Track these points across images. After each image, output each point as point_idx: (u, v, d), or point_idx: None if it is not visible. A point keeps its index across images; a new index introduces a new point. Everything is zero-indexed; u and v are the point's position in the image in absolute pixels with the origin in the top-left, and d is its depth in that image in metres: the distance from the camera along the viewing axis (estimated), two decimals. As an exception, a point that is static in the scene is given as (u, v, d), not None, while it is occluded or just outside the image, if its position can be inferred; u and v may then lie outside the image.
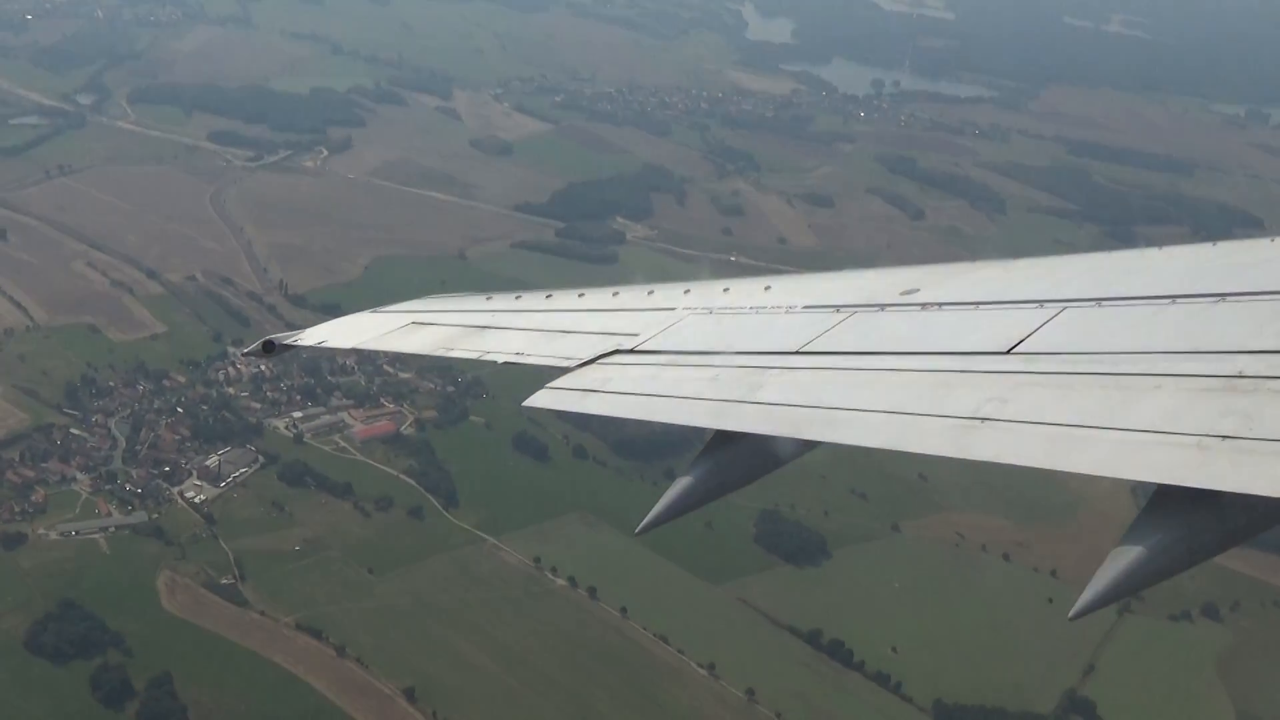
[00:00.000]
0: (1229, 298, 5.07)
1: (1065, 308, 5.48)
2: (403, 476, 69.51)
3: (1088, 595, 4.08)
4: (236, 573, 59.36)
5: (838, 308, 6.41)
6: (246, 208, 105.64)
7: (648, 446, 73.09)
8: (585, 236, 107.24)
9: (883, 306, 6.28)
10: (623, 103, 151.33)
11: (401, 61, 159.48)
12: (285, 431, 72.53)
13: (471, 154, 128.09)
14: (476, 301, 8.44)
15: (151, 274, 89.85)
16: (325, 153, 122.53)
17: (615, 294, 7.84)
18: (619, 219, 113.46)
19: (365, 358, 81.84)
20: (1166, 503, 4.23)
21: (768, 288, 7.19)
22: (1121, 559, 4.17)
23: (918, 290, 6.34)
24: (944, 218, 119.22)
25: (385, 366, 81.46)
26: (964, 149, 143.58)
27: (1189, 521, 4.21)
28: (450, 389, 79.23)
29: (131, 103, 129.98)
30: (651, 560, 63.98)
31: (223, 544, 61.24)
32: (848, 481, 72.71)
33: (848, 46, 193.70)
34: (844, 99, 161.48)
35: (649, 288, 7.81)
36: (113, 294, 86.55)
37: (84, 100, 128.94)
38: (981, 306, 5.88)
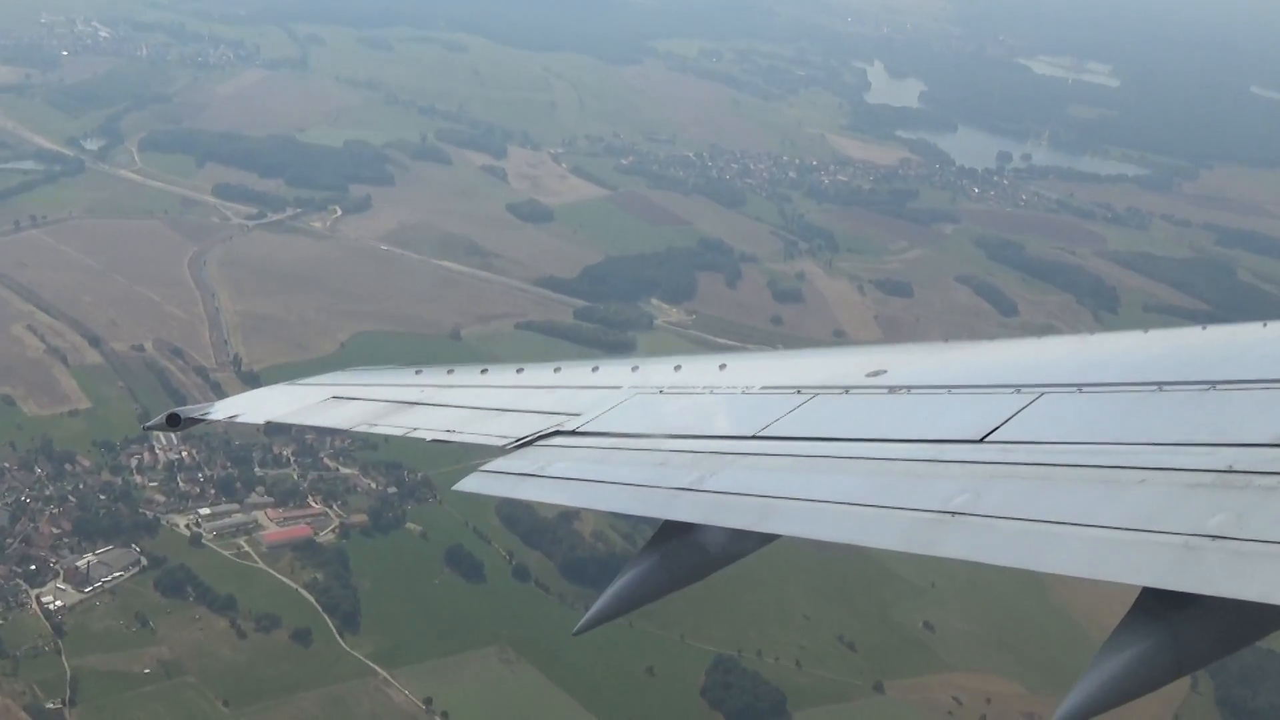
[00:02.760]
0: (1219, 386, 5.27)
1: (1044, 393, 5.68)
2: (302, 591, 67.13)
3: (1064, 710, 4.16)
4: (68, 696, 57.34)
5: (799, 389, 6.67)
6: (227, 271, 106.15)
7: (601, 569, 69.52)
8: (607, 319, 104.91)
9: (847, 389, 6.54)
10: (698, 168, 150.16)
11: (459, 114, 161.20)
12: (185, 530, 70.95)
13: (505, 220, 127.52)
14: (405, 375, 8.71)
15: (95, 341, 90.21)
16: (339, 212, 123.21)
17: (557, 370, 8.14)
18: (654, 300, 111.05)
19: (305, 449, 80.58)
20: (1151, 608, 4.36)
21: (723, 366, 7.47)
22: (1102, 670, 4.28)
23: (885, 372, 6.59)
24: (1040, 314, 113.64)
25: (326, 460, 79.73)
26: (1089, 235, 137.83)
27: (1176, 629, 4.32)
28: (393, 490, 76.92)
29: (142, 150, 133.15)
30: (568, 710, 60.09)
31: (64, 660, 59.41)
32: (837, 625, 68.18)
33: (981, 113, 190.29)
34: (959, 172, 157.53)
35: (594, 364, 8.12)
36: (44, 362, 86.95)
37: (91, 145, 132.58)
38: (954, 390, 6.10)
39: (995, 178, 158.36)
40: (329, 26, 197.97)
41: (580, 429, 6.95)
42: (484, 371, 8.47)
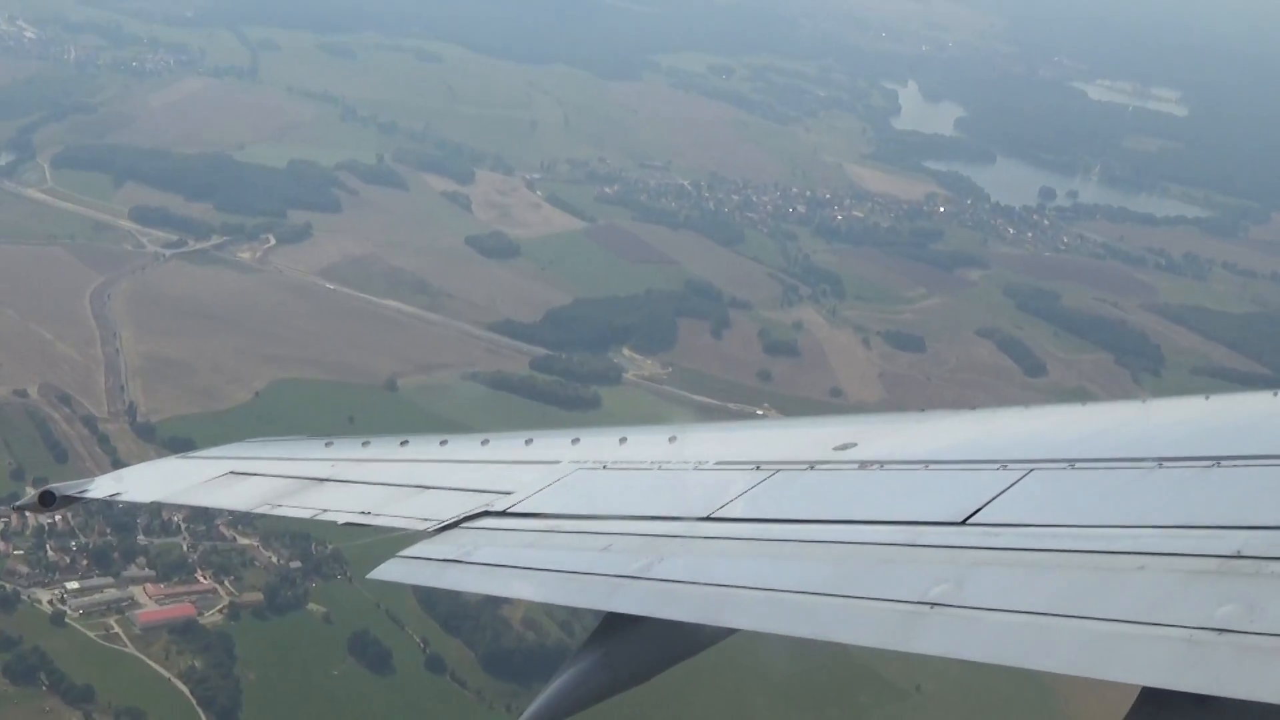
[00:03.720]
0: (1225, 462, 5.40)
1: (1032, 470, 5.84)
2: (176, 681, 65.67)
3: None
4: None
5: (758, 465, 6.78)
6: (135, 307, 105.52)
7: (530, 663, 68.14)
8: (569, 371, 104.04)
9: (812, 464, 6.63)
10: (693, 199, 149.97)
11: (425, 132, 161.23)
12: (47, 607, 69.66)
13: (463, 254, 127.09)
14: (314, 448, 8.86)
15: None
16: (272, 241, 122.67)
17: (485, 443, 8.33)
18: (626, 350, 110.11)
19: (199, 515, 79.20)
20: (1153, 709, 4.53)
21: (674, 439, 7.65)
22: None
23: (855, 445, 6.73)
24: (1071, 375, 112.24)
25: (222, 528, 78.45)
26: (1137, 285, 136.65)
27: None
28: (296, 564, 75.58)
29: (55, 166, 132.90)
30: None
31: (-119, 759, 58.10)
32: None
33: (1024, 143, 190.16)
34: (993, 210, 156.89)
35: (528, 435, 8.30)
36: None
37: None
38: (932, 466, 6.25)
39: (1035, 217, 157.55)
40: (287, 31, 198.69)
41: (512, 509, 7.08)
42: (404, 444, 8.59)
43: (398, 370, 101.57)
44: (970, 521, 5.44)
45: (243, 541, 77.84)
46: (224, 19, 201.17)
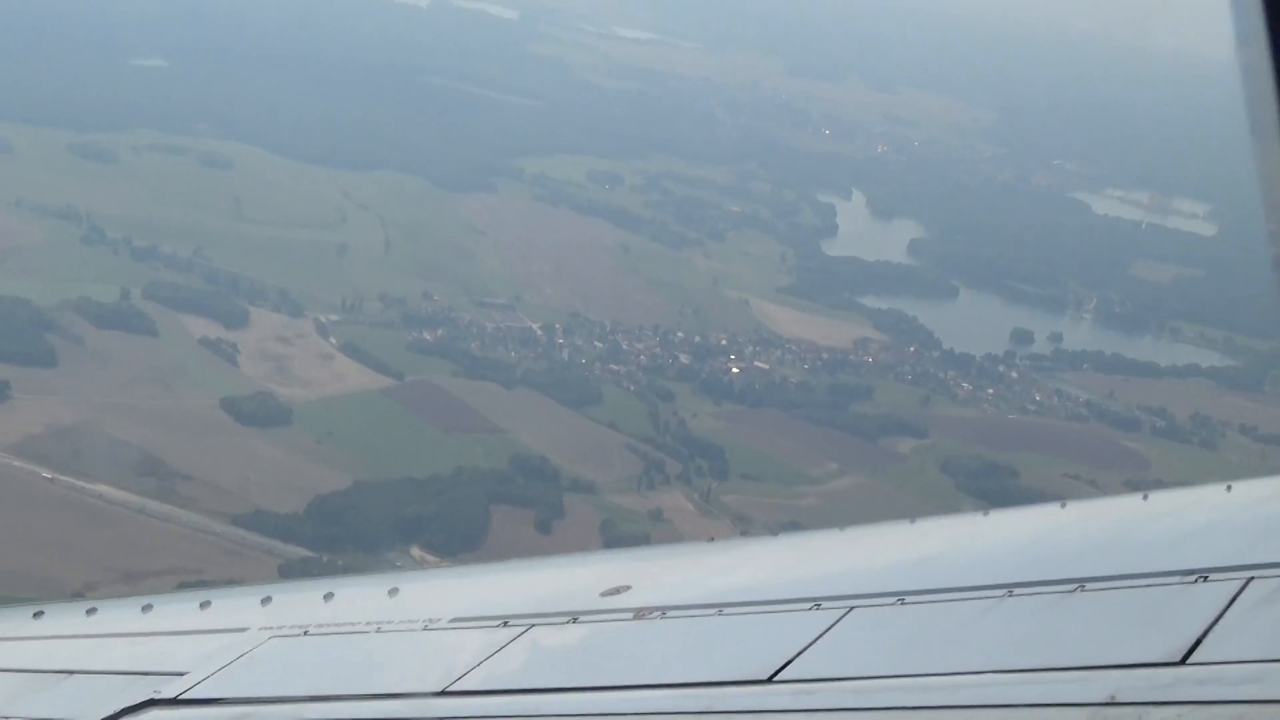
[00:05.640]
0: (1090, 585, 5.81)
1: (853, 608, 6.15)
2: None
3: None
4: None
5: (505, 620, 7.02)
6: None
7: None
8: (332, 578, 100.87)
9: (575, 616, 6.93)
10: (541, 348, 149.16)
11: (193, 260, 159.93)
12: None
13: (216, 422, 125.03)
14: None
15: None
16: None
17: (148, 609, 8.50)
18: (415, 551, 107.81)
19: None
20: None
21: (395, 591, 7.94)
22: None
23: (628, 588, 7.03)
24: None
25: None
26: (1126, 455, 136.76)
27: None
28: None
29: None
30: None
31: None
32: None
33: (999, 272, 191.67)
34: (945, 360, 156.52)
35: (204, 596, 8.59)
36: None
37: None
38: (727, 611, 6.52)
39: (1000, 368, 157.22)
40: (31, 127, 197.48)
41: (186, 695, 7.00)
42: (38, 615, 8.66)
43: (94, 580, 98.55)
44: (778, 679, 5.55)
45: None
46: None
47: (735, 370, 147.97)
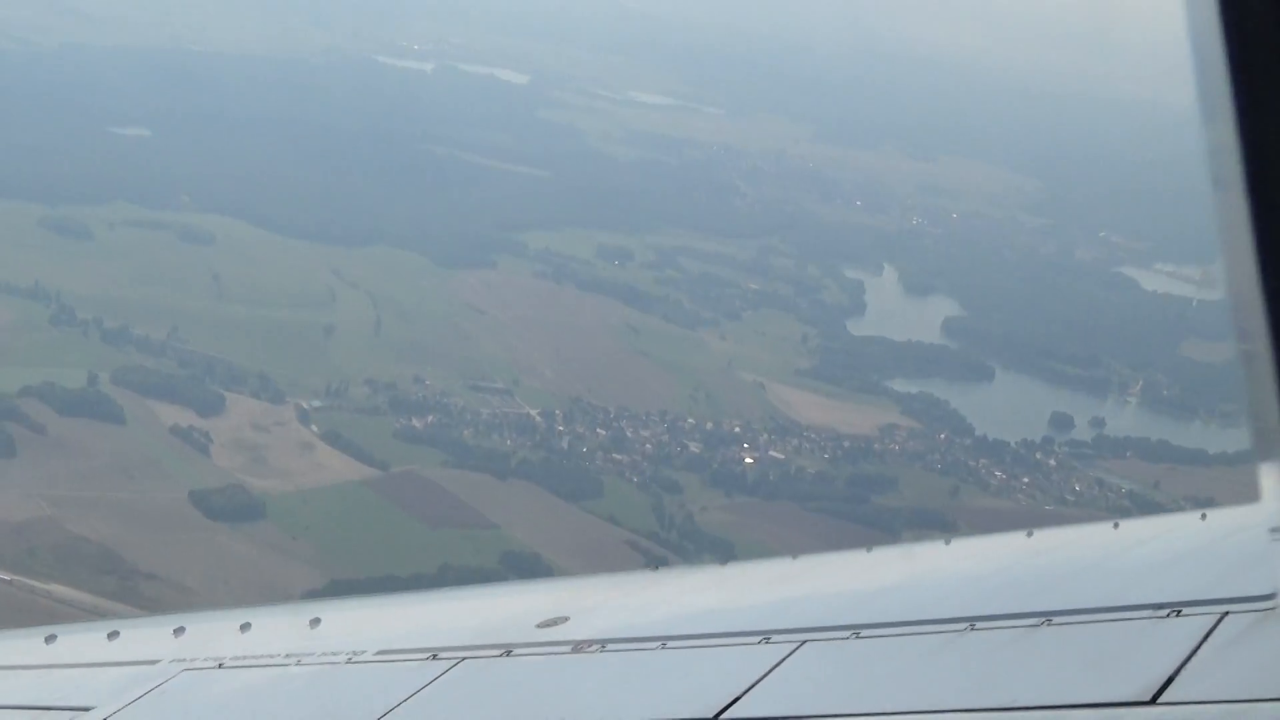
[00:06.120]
0: (1056, 619, 5.90)
1: (805, 642, 6.25)
2: None
3: None
4: None
5: (434, 653, 7.09)
6: None
7: None
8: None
9: (508, 649, 7.02)
10: (540, 436, 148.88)
11: (167, 343, 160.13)
12: None
13: (184, 517, 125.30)
14: None
15: None
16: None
17: (52, 639, 8.68)
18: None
19: None
20: None
21: (317, 621, 8.02)
22: None
23: (566, 620, 7.14)
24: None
25: None
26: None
27: None
28: None
29: None
30: None
31: None
32: None
33: (1039, 352, 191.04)
34: (978, 447, 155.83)
35: (112, 626, 8.81)
36: None
37: None
38: (671, 644, 6.61)
39: (1037, 456, 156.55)
40: (2, 201, 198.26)
41: None
42: None
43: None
44: (724, 717, 5.56)
45: None
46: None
47: (748, 460, 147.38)
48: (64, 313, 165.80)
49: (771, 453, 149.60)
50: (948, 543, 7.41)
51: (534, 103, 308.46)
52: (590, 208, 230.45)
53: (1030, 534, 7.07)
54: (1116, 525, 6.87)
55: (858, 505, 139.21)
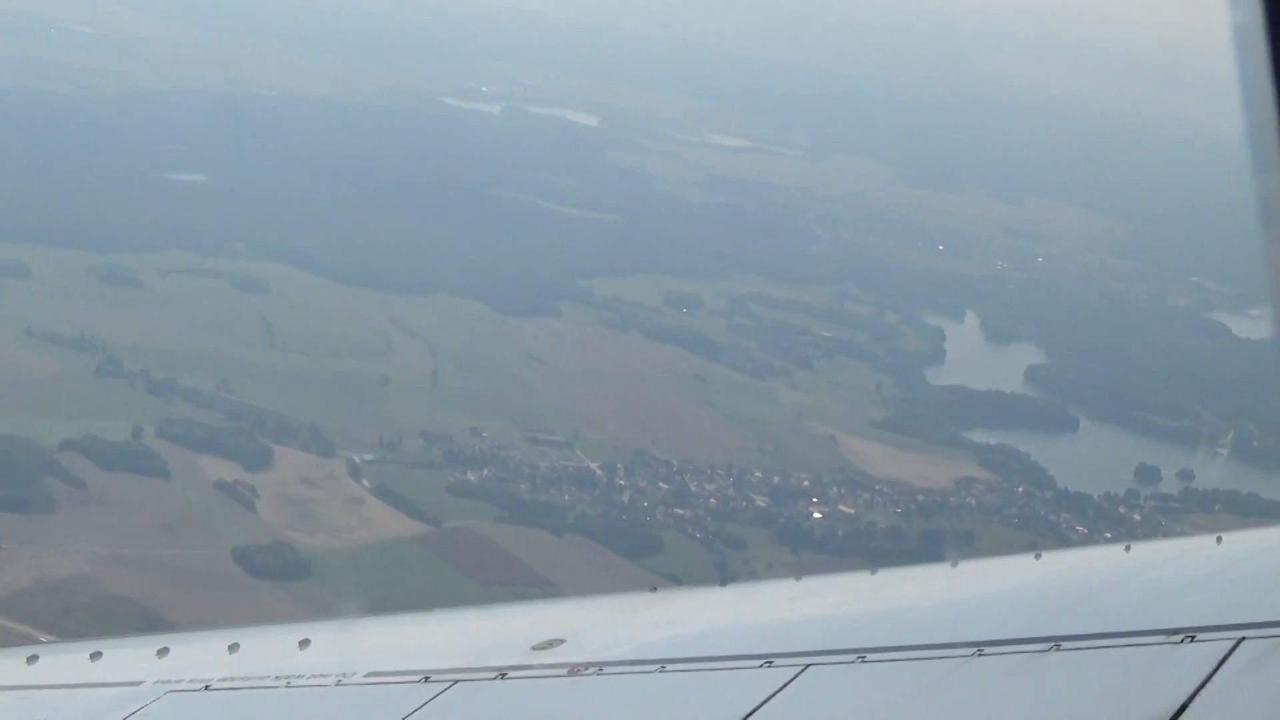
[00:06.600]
0: (1066, 644, 5.89)
1: (809, 666, 6.27)
2: None
3: None
4: None
5: (426, 675, 7.16)
6: None
7: None
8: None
9: (503, 671, 7.09)
10: (600, 490, 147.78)
11: (217, 395, 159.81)
12: None
13: (227, 575, 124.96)
14: None
15: None
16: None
17: (33, 659, 8.88)
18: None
19: None
20: None
21: (306, 643, 8.07)
22: None
23: (562, 642, 7.28)
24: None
25: None
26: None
27: None
28: None
29: None
30: None
31: None
32: None
33: (1127, 402, 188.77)
34: (1059, 500, 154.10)
35: (95, 646, 8.99)
36: None
37: None
38: (670, 668, 6.66)
39: (1121, 510, 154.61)
40: (50, 249, 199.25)
41: None
42: None
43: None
44: None
45: None
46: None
47: (817, 515, 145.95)
48: (110, 363, 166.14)
49: (841, 507, 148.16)
50: (954, 565, 7.40)
51: (604, 145, 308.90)
52: (659, 253, 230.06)
53: (1038, 556, 7.13)
54: (1128, 548, 6.92)
55: (930, 560, 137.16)
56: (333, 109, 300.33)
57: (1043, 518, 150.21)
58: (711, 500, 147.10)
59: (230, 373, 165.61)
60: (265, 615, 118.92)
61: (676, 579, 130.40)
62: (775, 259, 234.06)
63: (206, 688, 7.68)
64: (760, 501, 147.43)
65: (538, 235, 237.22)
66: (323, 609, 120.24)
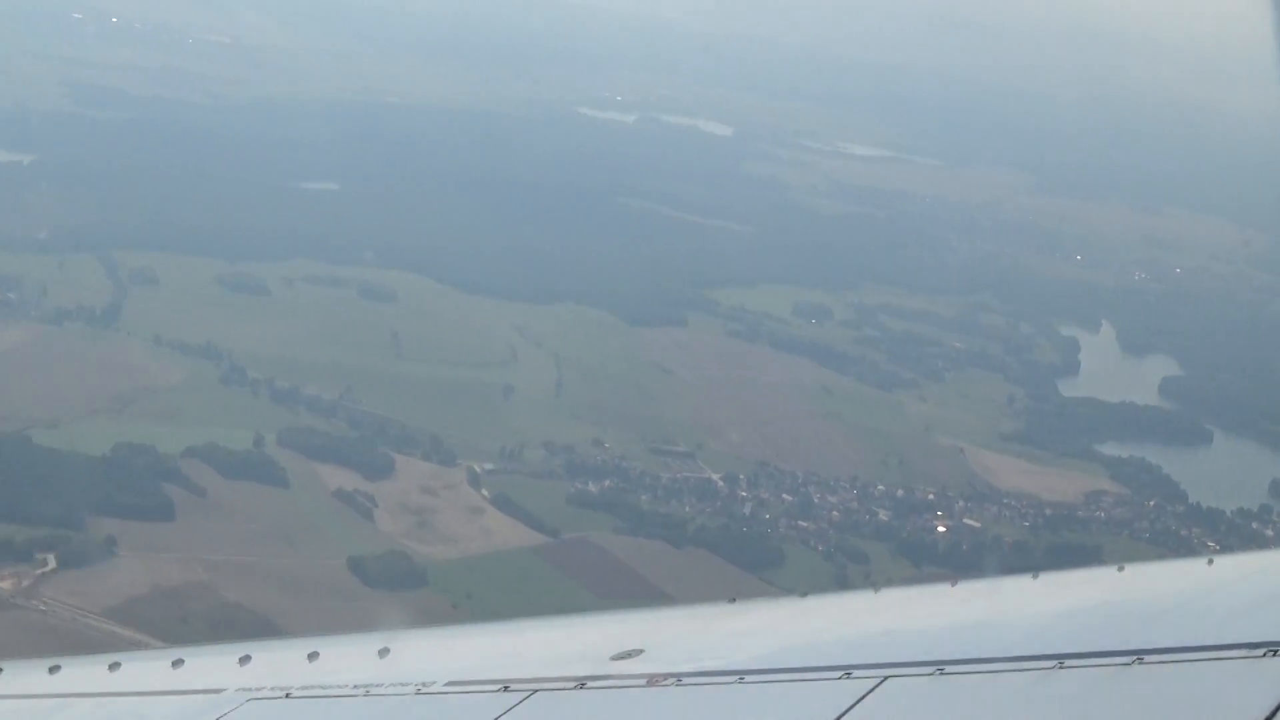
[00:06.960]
0: (1148, 658, 5.94)
1: (888, 678, 6.28)
2: None
3: None
4: None
5: (505, 684, 7.21)
6: None
7: None
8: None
9: (582, 681, 7.11)
10: (723, 501, 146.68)
11: (339, 404, 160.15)
12: None
13: (342, 584, 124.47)
14: None
15: None
16: (50, 564, 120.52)
17: (116, 667, 8.88)
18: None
19: None
20: None
21: (386, 651, 8.26)
22: None
23: (641, 652, 7.32)
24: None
25: None
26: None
27: None
28: None
29: None
30: None
31: None
32: None
33: (1264, 415, 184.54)
34: (1191, 514, 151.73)
35: (176, 654, 9.13)
36: None
37: None
38: (749, 679, 6.69)
39: (1255, 525, 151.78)
40: (178, 256, 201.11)
41: None
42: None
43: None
44: None
45: None
46: (90, 241, 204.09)
47: (941, 529, 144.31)
48: (234, 372, 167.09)
49: (966, 520, 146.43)
50: (1035, 577, 7.32)
51: (737, 155, 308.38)
52: (790, 263, 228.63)
53: (1121, 569, 7.07)
54: (1211, 561, 6.78)
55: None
56: (466, 118, 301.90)
57: (1174, 533, 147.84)
58: (834, 513, 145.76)
59: (354, 381, 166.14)
60: (376, 625, 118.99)
61: (795, 591, 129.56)
62: (907, 268, 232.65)
63: (287, 695, 7.78)
64: (884, 515, 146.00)
65: (667, 245, 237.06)
66: (436, 620, 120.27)
